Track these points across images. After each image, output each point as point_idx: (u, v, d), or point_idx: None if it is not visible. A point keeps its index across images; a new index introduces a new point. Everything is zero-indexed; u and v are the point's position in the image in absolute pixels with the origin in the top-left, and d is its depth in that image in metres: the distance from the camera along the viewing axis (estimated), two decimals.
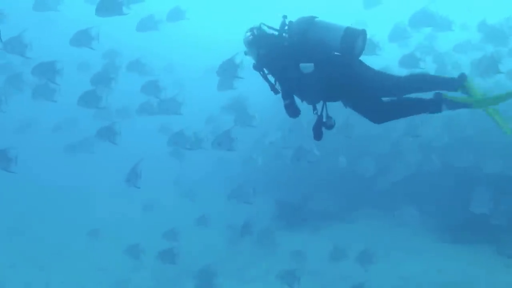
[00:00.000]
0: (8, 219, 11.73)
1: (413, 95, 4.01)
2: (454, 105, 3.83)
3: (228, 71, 6.59)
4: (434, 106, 3.88)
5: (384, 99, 4.04)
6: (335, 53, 4.05)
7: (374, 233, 9.74)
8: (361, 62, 4.16)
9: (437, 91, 3.89)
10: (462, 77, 3.87)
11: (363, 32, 4.02)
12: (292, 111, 4.25)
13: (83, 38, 7.26)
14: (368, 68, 4.16)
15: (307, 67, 4.00)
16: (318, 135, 4.14)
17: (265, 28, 4.40)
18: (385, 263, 8.02)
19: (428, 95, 3.94)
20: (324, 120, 4.12)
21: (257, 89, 5.80)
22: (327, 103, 4.17)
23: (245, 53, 4.55)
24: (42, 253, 9.84)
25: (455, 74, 4.00)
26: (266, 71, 4.33)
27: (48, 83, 7.43)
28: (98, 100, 7.46)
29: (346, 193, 10.91)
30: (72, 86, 8.74)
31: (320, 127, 4.12)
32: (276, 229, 9.95)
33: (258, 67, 4.33)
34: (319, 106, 4.18)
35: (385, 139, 9.84)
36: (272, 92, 4.42)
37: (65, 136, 12.57)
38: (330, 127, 4.13)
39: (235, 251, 9.53)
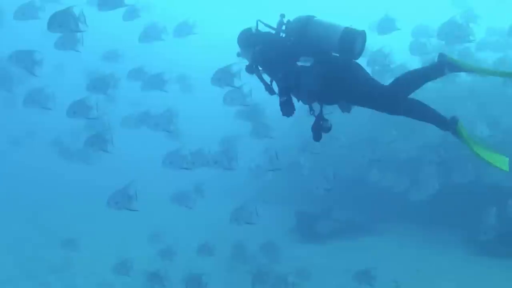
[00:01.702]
0: None
1: (430, 108, 3.78)
2: (458, 137, 3.70)
3: (223, 81, 6.19)
4: (445, 125, 3.72)
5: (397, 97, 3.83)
6: (333, 53, 3.97)
7: (401, 247, 9.23)
8: (358, 64, 4.04)
9: (455, 117, 3.68)
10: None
11: (363, 33, 3.92)
12: (288, 109, 4.09)
13: (68, 41, 6.70)
14: (365, 72, 4.03)
15: (306, 60, 3.93)
16: (317, 136, 4.07)
17: (261, 25, 4.32)
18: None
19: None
20: (320, 122, 4.03)
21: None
22: (324, 105, 4.09)
23: (238, 55, 4.48)
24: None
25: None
26: (261, 70, 4.24)
27: (43, 89, 7.01)
28: (89, 109, 6.83)
29: (372, 203, 10.55)
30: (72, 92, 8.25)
31: (319, 127, 4.04)
32: (295, 241, 9.70)
33: (251, 67, 4.25)
34: (316, 107, 4.10)
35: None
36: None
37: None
38: (326, 129, 4.05)
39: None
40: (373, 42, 7.61)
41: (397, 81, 3.91)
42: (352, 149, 9.60)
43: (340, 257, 9.08)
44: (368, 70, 4.20)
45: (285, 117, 4.19)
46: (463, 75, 9.13)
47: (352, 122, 7.98)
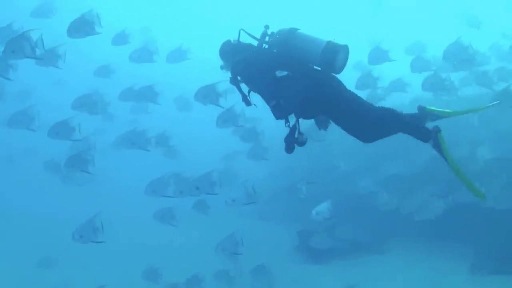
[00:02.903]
0: None
1: (407, 118, 3.82)
2: (439, 150, 3.70)
3: (208, 98, 6.08)
4: (424, 136, 3.75)
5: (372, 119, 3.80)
6: (316, 67, 3.92)
7: (406, 266, 8.93)
8: (339, 81, 3.96)
9: (437, 127, 3.71)
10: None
11: (345, 48, 3.87)
12: (280, 112, 3.97)
13: (49, 57, 6.48)
14: (345, 88, 3.95)
15: (283, 74, 3.87)
16: (289, 148, 3.97)
17: (244, 35, 4.24)
18: None
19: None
20: (295, 136, 3.94)
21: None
22: (301, 118, 4.02)
23: (221, 67, 4.39)
24: None
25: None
26: (239, 80, 4.16)
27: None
28: (71, 131, 6.55)
29: (377, 221, 10.16)
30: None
31: (293, 139, 3.94)
32: (299, 262, 9.57)
33: (233, 78, 4.18)
34: (291, 119, 4.01)
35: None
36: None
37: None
38: (301, 143, 3.97)
39: None
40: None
41: (378, 117, 3.80)
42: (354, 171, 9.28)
43: (344, 277, 8.81)
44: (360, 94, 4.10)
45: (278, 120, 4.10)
46: None
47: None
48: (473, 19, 10.70)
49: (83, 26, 6.07)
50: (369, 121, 3.78)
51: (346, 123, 3.89)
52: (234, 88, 4.30)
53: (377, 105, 3.95)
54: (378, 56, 7.88)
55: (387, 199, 8.91)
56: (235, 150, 10.50)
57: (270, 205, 11.97)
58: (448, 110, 3.88)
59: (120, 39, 8.52)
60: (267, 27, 4.17)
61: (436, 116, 3.83)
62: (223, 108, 6.10)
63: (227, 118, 6.29)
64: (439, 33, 15.30)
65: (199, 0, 22.06)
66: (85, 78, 11.46)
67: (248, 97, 4.24)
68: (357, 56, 10.59)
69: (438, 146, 3.70)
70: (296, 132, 3.97)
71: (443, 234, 9.18)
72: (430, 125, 3.77)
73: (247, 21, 4.25)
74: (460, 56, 7.53)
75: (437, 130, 3.69)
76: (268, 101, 4.00)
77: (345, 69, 3.98)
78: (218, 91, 6.01)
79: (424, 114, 3.85)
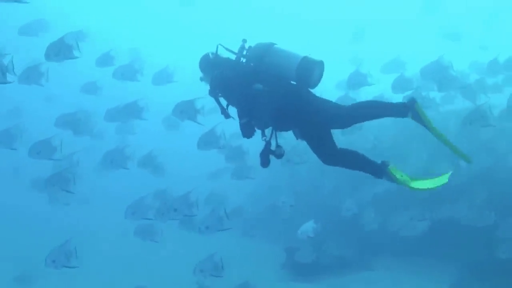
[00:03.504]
0: None
1: (363, 156, 3.92)
2: (394, 181, 3.76)
3: (185, 113, 6.11)
4: (377, 173, 3.84)
5: (335, 147, 3.97)
6: (291, 81, 3.98)
7: (394, 282, 9.01)
8: (315, 96, 4.07)
9: (385, 162, 3.81)
10: (411, 101, 3.79)
11: (320, 63, 3.95)
12: (248, 131, 4.09)
13: (31, 75, 6.50)
14: (321, 99, 4.05)
15: (259, 88, 3.92)
16: (264, 162, 4.04)
17: (222, 50, 4.33)
18: None
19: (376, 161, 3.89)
20: (273, 148, 4.02)
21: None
22: (278, 132, 4.11)
23: (200, 79, 4.45)
24: None
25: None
26: (219, 94, 4.21)
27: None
28: (52, 150, 6.52)
29: (363, 238, 10.17)
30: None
31: (268, 154, 4.02)
32: (285, 280, 9.53)
33: (212, 91, 4.22)
34: (268, 132, 4.06)
35: None
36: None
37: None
38: (279, 156, 4.03)
39: None
40: None
41: (358, 104, 3.98)
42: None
43: None
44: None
45: (245, 138, 4.17)
46: None
47: None
48: (453, 32, 10.76)
49: (61, 50, 6.05)
50: (329, 147, 3.92)
51: (310, 141, 3.99)
52: (217, 108, 4.34)
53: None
54: (357, 80, 7.92)
55: (370, 220, 8.94)
56: (222, 167, 10.44)
57: (255, 223, 11.93)
58: (433, 126, 3.81)
59: (105, 60, 8.56)
60: (244, 41, 4.24)
61: (419, 119, 3.78)
62: (201, 124, 6.11)
63: (208, 141, 6.29)
64: (419, 49, 15.59)
65: (191, 20, 22.09)
66: (76, 94, 11.42)
67: (226, 110, 4.28)
68: (340, 75, 10.78)
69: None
70: (275, 145, 4.04)
71: (427, 251, 9.18)
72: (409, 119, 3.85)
73: (236, 39, 4.29)
74: (440, 75, 7.59)
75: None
76: (239, 118, 4.07)
77: (328, 89, 4.06)
78: (196, 107, 6.02)
79: (411, 108, 3.80)
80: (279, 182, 10.73)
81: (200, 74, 4.43)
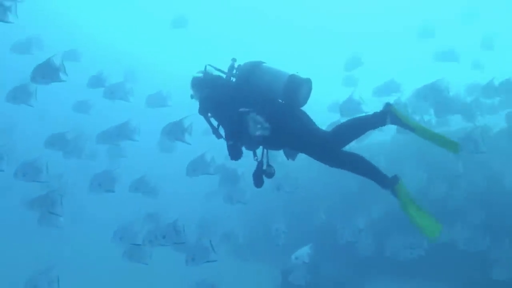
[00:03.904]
0: None
1: (370, 162, 3.80)
2: (396, 196, 3.67)
3: (173, 134, 6.12)
4: (385, 184, 3.71)
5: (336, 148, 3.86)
6: (280, 100, 3.98)
7: None
8: (303, 112, 4.04)
9: (396, 177, 3.68)
10: (387, 106, 3.82)
11: (308, 81, 3.94)
12: (235, 153, 4.09)
13: (19, 95, 6.40)
14: (309, 120, 4.03)
15: (245, 111, 3.87)
16: (258, 183, 4.05)
17: (211, 69, 4.37)
18: None
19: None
20: (264, 167, 4.03)
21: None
22: (268, 150, 4.10)
23: (191, 97, 4.45)
24: None
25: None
26: (209, 114, 4.22)
27: None
28: (38, 172, 6.37)
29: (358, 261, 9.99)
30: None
31: (261, 174, 4.03)
32: None
33: (201, 110, 4.23)
34: (259, 152, 4.11)
35: None
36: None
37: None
38: (270, 175, 4.06)
39: None
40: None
41: (338, 128, 3.89)
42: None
43: None
44: None
45: (233, 160, 4.17)
46: None
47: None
48: (449, 52, 10.67)
49: (47, 72, 5.97)
50: (328, 153, 3.83)
51: (309, 153, 3.92)
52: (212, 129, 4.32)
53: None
54: (350, 107, 7.82)
55: (366, 246, 8.87)
56: (216, 188, 10.28)
57: (248, 246, 11.72)
58: (414, 121, 3.83)
59: (96, 81, 8.51)
60: (234, 60, 4.26)
61: (399, 120, 3.78)
62: (188, 144, 6.07)
63: (197, 167, 6.28)
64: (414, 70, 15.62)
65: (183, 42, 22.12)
66: (70, 112, 11.27)
67: (218, 130, 4.26)
68: (333, 96, 10.71)
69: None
70: (265, 164, 4.05)
71: (423, 273, 9.12)
72: (390, 124, 3.81)
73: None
74: (436, 99, 7.51)
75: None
76: (226, 139, 4.08)
77: (321, 111, 4.00)
78: (183, 127, 6.01)
79: (387, 112, 3.83)
80: (273, 203, 10.55)
81: (191, 92, 4.47)
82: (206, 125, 4.36)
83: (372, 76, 10.51)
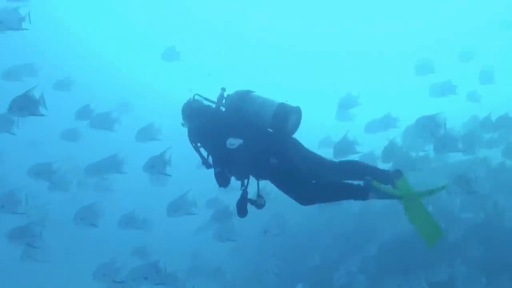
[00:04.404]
0: None
1: (342, 183, 3.78)
2: (382, 194, 3.53)
3: (155, 168, 6.09)
4: (361, 193, 3.58)
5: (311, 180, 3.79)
6: (268, 129, 3.94)
7: None
8: (295, 140, 4.00)
9: (367, 178, 3.58)
10: (397, 172, 3.72)
11: (297, 109, 3.91)
12: (223, 180, 3.99)
13: (2, 123, 6.27)
14: (301, 148, 4.01)
15: (233, 143, 3.82)
16: (241, 212, 3.93)
17: (200, 99, 4.34)
18: None
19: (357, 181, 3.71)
20: (254, 198, 3.94)
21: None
22: (260, 180, 4.02)
23: (182, 125, 4.43)
24: None
25: None
26: (198, 144, 4.18)
27: None
28: (17, 204, 6.13)
29: None
30: None
31: (245, 203, 3.92)
32: None
33: (190, 139, 4.20)
34: (246, 181, 4.02)
35: None
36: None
37: None
38: (260, 206, 3.95)
39: None
40: None
41: (319, 186, 3.74)
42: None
43: None
44: None
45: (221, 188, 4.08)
46: None
47: None
48: (446, 87, 10.52)
49: (25, 105, 5.75)
50: (309, 189, 3.71)
51: (284, 188, 3.81)
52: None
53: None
54: (345, 148, 7.72)
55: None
56: (207, 223, 9.97)
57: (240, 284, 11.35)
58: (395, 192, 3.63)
59: (83, 113, 8.44)
60: (223, 89, 4.21)
61: (381, 193, 3.58)
62: (169, 175, 6.09)
63: (179, 207, 6.17)
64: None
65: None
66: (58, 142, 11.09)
67: (207, 160, 4.20)
68: (325, 131, 10.54)
69: (379, 193, 3.55)
70: (256, 195, 3.97)
71: None
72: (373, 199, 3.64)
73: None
74: (434, 133, 7.36)
75: (369, 180, 3.55)
76: (214, 167, 4.02)
77: (312, 146, 4.06)
78: (164, 159, 5.98)
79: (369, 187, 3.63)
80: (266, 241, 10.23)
81: (181, 120, 4.45)
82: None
83: (367, 109, 10.31)
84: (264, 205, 3.99)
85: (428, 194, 3.52)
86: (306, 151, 4.02)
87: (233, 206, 7.81)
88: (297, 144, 4.02)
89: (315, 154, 4.04)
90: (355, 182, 3.68)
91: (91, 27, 23.80)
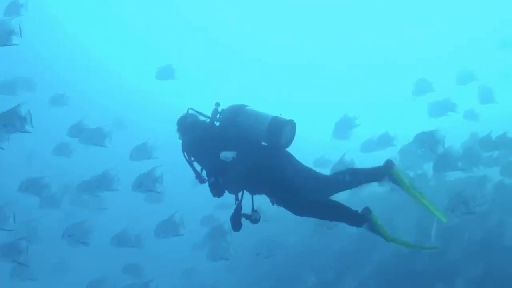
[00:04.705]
0: None
1: (340, 205, 3.72)
2: (374, 230, 3.58)
3: (144, 186, 6.12)
4: (355, 221, 3.64)
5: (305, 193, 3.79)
6: (263, 143, 3.94)
7: None
8: (289, 154, 3.98)
9: (367, 209, 3.63)
10: (389, 163, 3.71)
11: (291, 122, 3.91)
12: (217, 190, 3.96)
13: None
14: (295, 161, 3.98)
15: (227, 156, 3.80)
16: (236, 226, 3.92)
17: (194, 113, 4.34)
18: None
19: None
20: (249, 213, 3.91)
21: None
22: (254, 195, 4.00)
23: (179, 138, 4.37)
24: None
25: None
26: (192, 158, 4.16)
27: None
28: (4, 220, 5.97)
29: None
30: None
31: (239, 217, 3.89)
32: None
33: (184, 153, 4.18)
34: (240, 195, 3.99)
35: None
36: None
37: None
38: (254, 221, 3.91)
39: None
40: None
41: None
42: None
43: None
44: None
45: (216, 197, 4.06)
46: None
47: None
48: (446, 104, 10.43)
49: (10, 122, 5.64)
50: (303, 203, 3.74)
51: (281, 201, 3.85)
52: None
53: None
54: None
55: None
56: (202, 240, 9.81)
57: None
58: (411, 189, 3.66)
59: (75, 131, 8.43)
60: (217, 104, 4.19)
61: (396, 181, 3.67)
62: (159, 193, 6.12)
63: (166, 229, 6.17)
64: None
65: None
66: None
67: (201, 174, 4.17)
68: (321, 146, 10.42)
69: (373, 227, 3.60)
70: (251, 209, 3.94)
71: None
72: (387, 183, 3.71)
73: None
74: (430, 150, 7.29)
75: (368, 211, 3.61)
76: (207, 177, 4.00)
77: (307, 161, 4.02)
78: (154, 177, 5.96)
79: (388, 170, 3.72)
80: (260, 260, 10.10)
81: (177, 134, 4.44)
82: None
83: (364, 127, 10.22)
84: (259, 220, 3.95)
85: (415, 248, 3.79)
86: (299, 165, 4.00)
87: (228, 224, 7.71)
88: (290, 157, 4.00)
89: (309, 168, 4.02)
90: (354, 209, 3.68)
91: (91, 35, 23.98)
